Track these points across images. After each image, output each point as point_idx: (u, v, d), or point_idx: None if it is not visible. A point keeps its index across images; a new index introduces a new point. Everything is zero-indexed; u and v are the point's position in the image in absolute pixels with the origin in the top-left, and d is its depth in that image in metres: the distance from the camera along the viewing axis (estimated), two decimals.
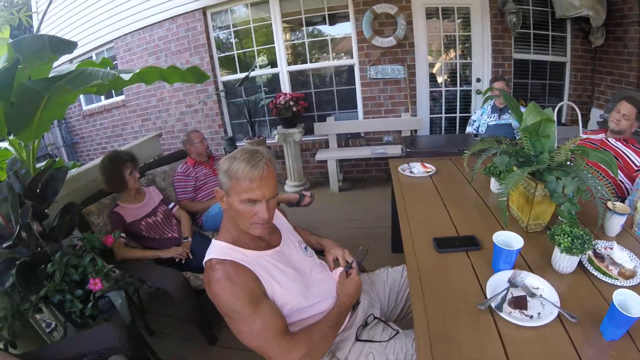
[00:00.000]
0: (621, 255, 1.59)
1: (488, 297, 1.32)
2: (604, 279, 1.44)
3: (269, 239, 1.46)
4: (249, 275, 1.27)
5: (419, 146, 3.66)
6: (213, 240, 1.40)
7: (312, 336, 1.27)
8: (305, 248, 1.61)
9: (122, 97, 6.41)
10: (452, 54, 5.04)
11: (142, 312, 2.72)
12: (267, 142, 5.02)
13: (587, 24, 4.70)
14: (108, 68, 2.48)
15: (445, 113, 5.17)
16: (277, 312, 1.27)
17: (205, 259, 1.34)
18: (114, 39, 5.92)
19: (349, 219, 4.09)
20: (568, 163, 1.69)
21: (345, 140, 5.23)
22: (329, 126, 5.07)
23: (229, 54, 5.38)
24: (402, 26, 4.53)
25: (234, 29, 5.21)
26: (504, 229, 1.56)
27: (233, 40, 5.31)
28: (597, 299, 1.32)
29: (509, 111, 3.78)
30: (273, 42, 5.09)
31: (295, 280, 1.39)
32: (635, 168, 2.54)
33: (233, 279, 1.23)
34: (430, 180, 2.42)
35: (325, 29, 5.07)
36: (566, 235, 1.43)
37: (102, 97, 6.73)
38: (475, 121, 4.05)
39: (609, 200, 1.63)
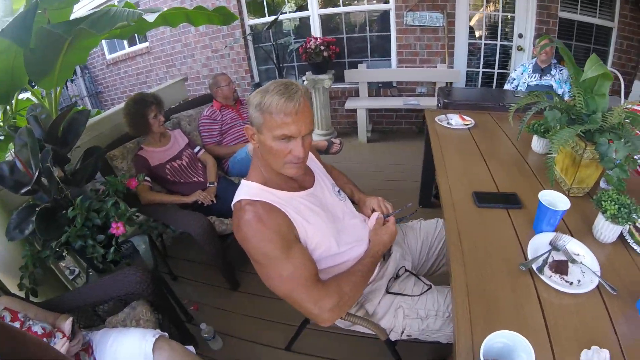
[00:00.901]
0: None
1: (529, 258, 1.24)
2: None
3: (301, 180, 1.38)
4: (281, 217, 1.20)
5: (455, 98, 3.42)
6: (243, 181, 1.32)
7: (343, 286, 1.20)
8: (339, 192, 1.53)
9: (146, 44, 6.30)
10: (493, 6, 4.68)
11: (165, 256, 2.75)
12: None
13: None
14: None
15: (483, 68, 4.88)
16: (309, 258, 1.21)
17: (235, 200, 1.27)
18: None
19: (377, 171, 4.01)
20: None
21: (377, 89, 5.01)
22: (361, 74, 4.85)
23: None
24: None
25: None
26: (546, 189, 1.45)
27: None
28: (636, 274, 1.24)
29: (552, 72, 3.57)
30: None
31: (328, 223, 1.32)
32: None
33: (264, 220, 1.16)
34: (468, 133, 2.28)
35: None
36: (613, 202, 1.33)
37: (126, 44, 6.62)
38: (514, 79, 3.82)
39: None
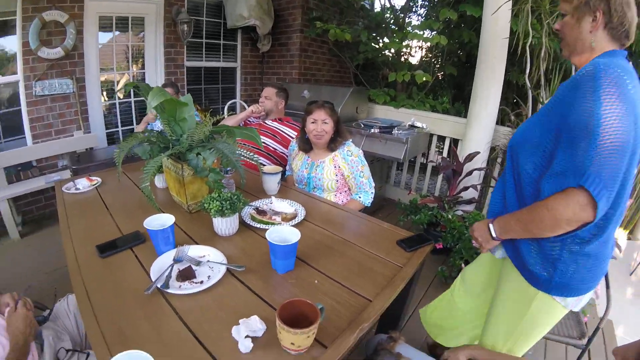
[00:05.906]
0: (281, 205, 1.93)
1: (153, 280, 1.34)
2: (269, 227, 1.67)
3: None
4: None
5: (92, 161, 3.50)
6: None
7: None
8: None
9: None
10: (126, 64, 4.95)
11: None
12: None
13: (256, 33, 5.51)
14: None
15: (122, 126, 5.04)
16: None
17: None
18: None
19: (40, 267, 3.36)
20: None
21: (16, 174, 4.27)
22: None
23: None
24: (72, 35, 4.09)
25: None
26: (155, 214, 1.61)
27: None
28: (261, 246, 1.58)
29: None
30: None
31: None
32: (291, 139, 3.07)
33: None
34: (96, 192, 2.28)
35: None
36: (215, 201, 1.59)
37: None
38: (151, 127, 4.06)
39: (262, 164, 2.07)
